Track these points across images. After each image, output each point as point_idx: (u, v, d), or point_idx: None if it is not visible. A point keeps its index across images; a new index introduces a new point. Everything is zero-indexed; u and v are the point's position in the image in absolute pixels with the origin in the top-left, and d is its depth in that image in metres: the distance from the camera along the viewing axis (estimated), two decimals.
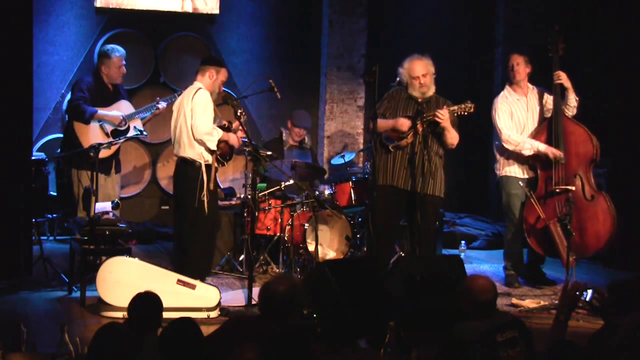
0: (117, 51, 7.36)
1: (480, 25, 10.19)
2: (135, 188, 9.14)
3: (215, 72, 6.73)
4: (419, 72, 6.67)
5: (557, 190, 6.93)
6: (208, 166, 6.59)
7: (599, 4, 8.84)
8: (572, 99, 7.10)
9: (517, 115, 7.19)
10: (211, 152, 6.60)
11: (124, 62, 7.37)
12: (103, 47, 7.58)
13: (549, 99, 7.19)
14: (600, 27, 8.74)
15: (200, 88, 6.64)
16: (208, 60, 6.98)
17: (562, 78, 7.03)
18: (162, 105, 7.50)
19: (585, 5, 8.94)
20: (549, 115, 7.18)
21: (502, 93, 7.30)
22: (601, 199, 6.98)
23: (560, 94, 7.05)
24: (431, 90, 6.72)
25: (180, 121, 6.63)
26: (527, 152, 7.08)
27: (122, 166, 7.78)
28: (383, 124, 6.69)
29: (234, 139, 6.68)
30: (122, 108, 7.37)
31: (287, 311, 4.03)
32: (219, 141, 6.59)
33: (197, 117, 6.51)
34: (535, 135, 7.14)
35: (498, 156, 7.30)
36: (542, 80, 7.31)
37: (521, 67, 7.19)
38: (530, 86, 7.28)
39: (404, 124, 6.59)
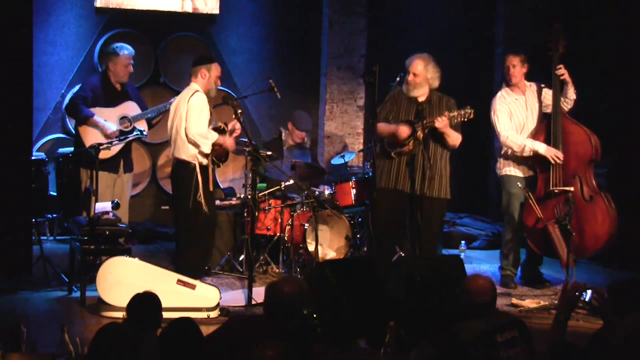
0: (126, 49, 7.36)
1: (480, 25, 10.19)
2: (135, 188, 9.13)
3: (206, 70, 6.76)
4: (412, 70, 6.72)
5: (556, 191, 6.92)
6: (203, 167, 6.63)
7: (598, 3, 8.83)
8: (572, 93, 7.03)
9: (516, 115, 7.17)
10: (205, 154, 6.63)
11: (131, 61, 7.36)
12: (112, 44, 7.55)
13: (547, 94, 7.15)
14: (600, 26, 8.74)
15: (197, 91, 6.68)
16: (197, 61, 6.93)
17: (564, 74, 6.97)
18: None
19: (585, 5, 8.94)
20: (547, 110, 7.14)
21: (499, 93, 7.26)
22: (600, 200, 6.95)
23: (559, 91, 7.03)
24: (417, 92, 6.72)
25: (176, 122, 6.68)
26: (527, 154, 7.06)
27: None
28: (384, 128, 6.71)
29: (229, 143, 6.71)
30: (128, 109, 7.36)
31: (292, 312, 4.03)
32: (214, 144, 6.63)
33: (191, 120, 6.56)
34: (534, 136, 7.11)
35: (498, 156, 7.30)
36: (541, 80, 7.29)
37: (517, 69, 7.14)
38: (528, 83, 7.25)
39: (404, 132, 6.61)
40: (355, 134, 9.59)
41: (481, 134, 9.41)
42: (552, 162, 6.93)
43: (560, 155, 6.93)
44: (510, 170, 7.21)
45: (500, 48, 9.96)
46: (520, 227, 7.16)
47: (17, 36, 6.77)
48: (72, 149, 7.77)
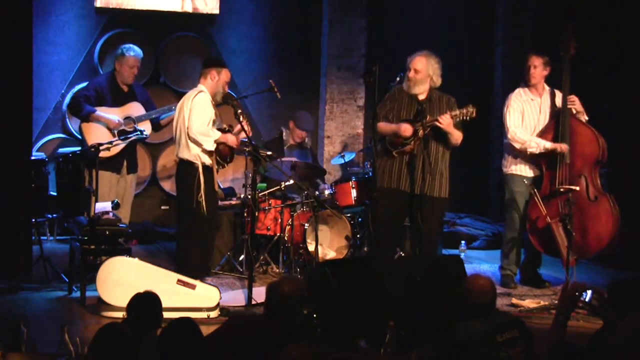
0: (133, 51, 7.38)
1: (480, 25, 10.19)
2: (135, 188, 9.13)
3: (216, 72, 6.80)
4: (413, 66, 6.69)
5: (561, 189, 6.91)
6: (206, 167, 6.64)
7: (599, 3, 8.83)
8: (584, 120, 7.08)
9: (528, 115, 7.14)
10: (209, 153, 6.64)
11: (138, 64, 7.39)
12: (121, 45, 7.56)
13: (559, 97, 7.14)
14: (601, 26, 8.74)
15: (201, 91, 6.72)
16: (209, 62, 7.02)
17: (576, 103, 7.00)
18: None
19: (586, 5, 8.93)
20: None
21: (517, 90, 7.22)
22: (604, 201, 6.95)
23: (568, 91, 7.01)
24: (418, 89, 6.70)
25: (179, 122, 6.71)
26: (534, 150, 7.04)
27: None
28: (385, 127, 6.69)
29: (232, 139, 6.73)
30: (132, 110, 7.37)
31: (292, 312, 4.03)
32: (218, 143, 6.63)
33: (193, 118, 6.61)
34: (542, 135, 7.10)
35: (506, 154, 7.28)
36: (547, 79, 7.27)
37: (538, 69, 7.11)
38: (547, 87, 7.23)
39: (407, 129, 6.59)
40: (355, 134, 9.59)
41: (481, 134, 9.42)
42: (559, 152, 6.90)
43: (566, 147, 6.89)
44: (517, 168, 7.19)
45: (500, 48, 9.96)
46: (521, 225, 7.15)
47: (17, 36, 6.77)
48: (72, 149, 7.78)
